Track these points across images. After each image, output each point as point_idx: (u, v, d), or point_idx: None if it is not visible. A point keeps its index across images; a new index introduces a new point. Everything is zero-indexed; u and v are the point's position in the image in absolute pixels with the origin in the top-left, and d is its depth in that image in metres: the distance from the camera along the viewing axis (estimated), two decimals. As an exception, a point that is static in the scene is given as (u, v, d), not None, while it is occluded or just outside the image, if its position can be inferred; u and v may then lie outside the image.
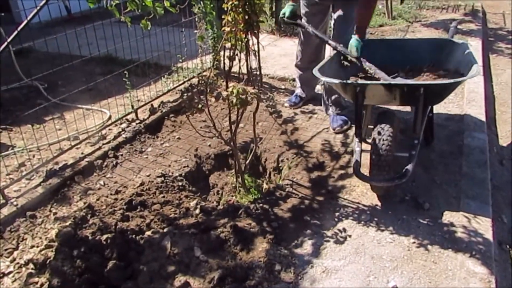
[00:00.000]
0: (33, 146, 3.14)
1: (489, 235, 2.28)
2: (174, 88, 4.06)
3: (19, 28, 2.41)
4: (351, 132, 3.33)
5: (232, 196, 2.67)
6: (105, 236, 2.17)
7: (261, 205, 2.57)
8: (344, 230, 2.37)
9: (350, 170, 2.82)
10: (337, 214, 2.51)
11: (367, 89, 2.54)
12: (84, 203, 2.60)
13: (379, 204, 2.57)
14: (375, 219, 2.45)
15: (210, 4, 3.90)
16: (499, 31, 6.76)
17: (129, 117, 3.57)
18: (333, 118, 3.46)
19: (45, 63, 3.61)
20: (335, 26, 3.33)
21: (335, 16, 3.31)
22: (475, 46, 5.08)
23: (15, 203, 2.58)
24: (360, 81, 2.64)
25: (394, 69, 2.98)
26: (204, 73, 4.35)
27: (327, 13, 3.44)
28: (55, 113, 3.69)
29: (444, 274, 2.06)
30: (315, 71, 2.62)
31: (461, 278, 2.02)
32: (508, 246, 2.53)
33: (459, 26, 6.11)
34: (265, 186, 2.80)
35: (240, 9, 2.21)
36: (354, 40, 2.83)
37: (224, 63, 2.47)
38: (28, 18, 2.50)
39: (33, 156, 3.06)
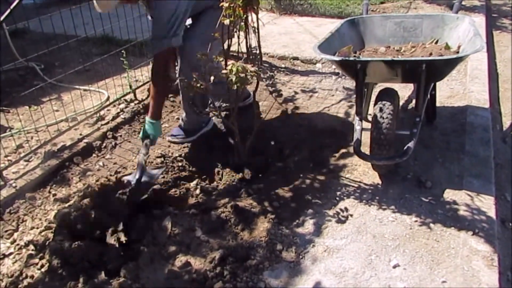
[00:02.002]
0: (31, 128, 3.11)
1: (492, 213, 2.26)
2: (173, 68, 4.00)
3: (11, 7, 2.35)
4: (352, 110, 3.29)
5: (233, 176, 2.65)
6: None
7: (261, 185, 2.55)
8: (346, 209, 2.35)
9: (351, 149, 2.79)
10: (338, 193, 2.49)
11: (368, 66, 2.49)
12: (84, 184, 2.58)
13: (381, 183, 2.55)
14: (377, 198, 2.43)
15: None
16: (503, 7, 6.64)
17: (128, 97, 3.52)
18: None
19: (40, 44, 3.54)
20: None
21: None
22: (478, 22, 4.97)
23: (14, 184, 2.56)
24: (362, 58, 2.58)
25: (395, 46, 2.92)
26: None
27: None
28: (52, 94, 3.65)
29: (447, 253, 2.04)
30: (315, 49, 2.57)
31: (464, 256, 2.01)
32: (511, 224, 2.51)
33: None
34: (266, 165, 2.77)
35: (239, -16, 2.14)
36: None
37: (223, 41, 2.42)
38: (21, -4, 2.45)
39: (31, 138, 3.03)
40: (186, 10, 2.51)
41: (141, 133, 2.61)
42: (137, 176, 2.44)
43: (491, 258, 1.99)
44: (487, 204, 2.32)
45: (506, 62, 4.69)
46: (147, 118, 2.56)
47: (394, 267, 1.98)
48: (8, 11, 2.37)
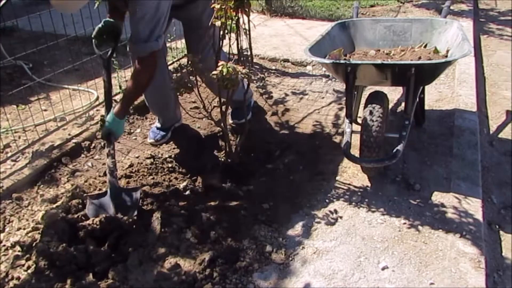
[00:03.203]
0: (19, 127, 3.07)
1: (479, 215, 2.29)
2: (163, 68, 3.98)
3: (0, 4, 2.32)
4: (342, 113, 3.30)
5: (223, 177, 2.64)
6: (94, 219, 2.15)
7: (251, 186, 2.55)
8: (335, 211, 2.37)
9: (341, 152, 2.80)
10: (328, 195, 2.50)
11: (358, 69, 2.50)
12: (72, 184, 2.56)
13: (370, 185, 2.56)
14: (366, 200, 2.44)
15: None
16: (490, 12, 6.73)
17: (117, 97, 3.49)
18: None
19: (29, 42, 3.50)
20: None
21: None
22: (466, 27, 5.05)
23: (0, 185, 2.53)
24: (352, 61, 2.60)
25: (385, 50, 2.95)
26: (194, 53, 4.27)
27: None
28: (41, 94, 3.61)
29: (435, 255, 2.06)
30: (306, 51, 2.58)
31: (451, 259, 2.03)
32: (497, 227, 2.55)
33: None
34: (256, 167, 2.77)
35: (230, -14, 2.14)
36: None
37: (213, 42, 2.41)
38: (10, -6, 2.42)
39: (19, 137, 2.99)
40: (167, 10, 2.39)
41: (102, 131, 2.41)
42: (112, 209, 2.17)
43: (478, 260, 2.02)
44: (474, 207, 2.35)
45: (493, 66, 4.75)
46: (114, 116, 2.36)
47: (383, 269, 1.99)
48: (-4, 9, 2.33)
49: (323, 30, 2.97)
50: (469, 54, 2.40)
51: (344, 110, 2.75)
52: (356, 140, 2.56)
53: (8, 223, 2.34)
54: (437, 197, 2.45)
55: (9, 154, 2.77)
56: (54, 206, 2.34)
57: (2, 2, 2.37)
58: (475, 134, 3.01)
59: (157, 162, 2.75)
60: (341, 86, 3.75)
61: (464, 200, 2.40)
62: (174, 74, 3.94)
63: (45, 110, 3.27)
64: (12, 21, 3.06)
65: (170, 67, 4.03)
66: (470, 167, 2.67)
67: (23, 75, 3.89)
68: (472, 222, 2.25)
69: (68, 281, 1.85)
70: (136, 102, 3.44)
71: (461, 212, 2.32)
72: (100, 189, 2.45)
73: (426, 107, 3.22)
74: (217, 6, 2.17)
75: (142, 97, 3.51)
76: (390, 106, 3.10)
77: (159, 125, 3.09)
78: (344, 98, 3.12)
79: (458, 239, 2.15)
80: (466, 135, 3.00)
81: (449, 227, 2.23)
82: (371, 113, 2.44)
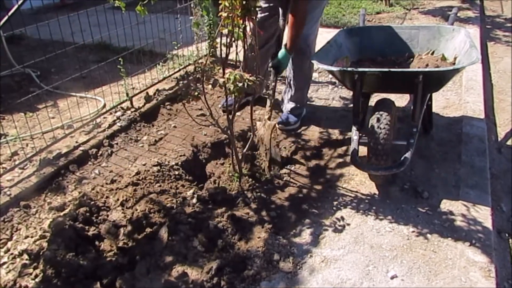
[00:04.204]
0: (26, 135, 3.08)
1: (488, 223, 2.27)
2: (170, 76, 4.00)
3: (9, 13, 2.34)
4: (349, 120, 3.29)
5: (229, 185, 2.64)
6: (101, 227, 2.15)
7: (259, 194, 2.54)
8: (343, 219, 2.35)
9: (348, 159, 2.79)
10: (335, 203, 2.48)
11: (365, 77, 2.50)
12: (79, 192, 2.56)
13: (378, 193, 2.55)
14: (374, 208, 2.43)
15: (205, -10, 3.82)
16: (497, 19, 6.71)
17: (124, 105, 3.51)
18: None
19: (37, 50, 3.53)
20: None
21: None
22: (473, 33, 5.04)
23: (8, 192, 2.54)
24: (359, 69, 2.60)
25: (392, 57, 2.94)
26: (200, 61, 4.29)
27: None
28: (48, 101, 3.63)
29: (444, 263, 2.04)
30: (312, 58, 2.58)
31: (461, 267, 2.01)
32: (507, 235, 2.52)
33: (456, 14, 6.06)
34: (262, 174, 2.77)
35: (238, -6, 2.14)
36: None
37: (221, 50, 2.42)
38: (18, 4, 2.44)
39: (26, 145, 3.00)
40: None
41: (273, 63, 2.88)
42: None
43: (488, 269, 1.99)
44: (484, 215, 2.33)
45: (501, 73, 4.74)
46: (285, 51, 2.84)
47: (392, 278, 1.97)
48: (6, 18, 2.36)
49: (329, 37, 2.97)
50: (477, 61, 2.39)
51: (351, 117, 2.74)
52: (363, 147, 2.55)
53: (16, 231, 2.34)
54: (446, 205, 2.43)
55: (17, 162, 2.78)
56: (61, 214, 2.34)
57: (12, 11, 2.39)
58: (483, 141, 2.99)
59: (164, 169, 2.75)
60: (347, 93, 3.74)
61: (473, 208, 2.38)
62: (181, 82, 3.96)
63: (53, 118, 3.29)
64: (20, 30, 3.08)
65: (177, 74, 4.05)
66: (479, 175, 2.65)
67: (31, 83, 3.93)
68: (481, 230, 2.23)
69: (76, 290, 1.85)
70: (143, 110, 3.48)
71: (470, 220, 2.30)
72: (107, 197, 2.45)
73: (434, 114, 3.21)
74: (224, 15, 2.18)
75: (149, 104, 3.54)
76: (397, 114, 3.09)
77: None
78: (351, 106, 3.12)
79: (468, 248, 2.12)
80: (475, 142, 2.98)
81: (458, 235, 2.21)
82: (378, 120, 2.43)
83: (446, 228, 2.26)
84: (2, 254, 2.18)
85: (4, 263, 2.12)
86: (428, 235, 2.22)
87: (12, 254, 2.16)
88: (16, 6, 2.36)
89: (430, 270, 2.01)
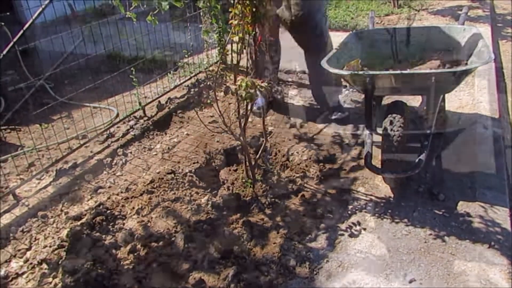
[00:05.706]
0: (42, 146, 3.13)
1: (507, 225, 2.24)
2: (181, 84, 4.03)
3: (24, 28, 2.39)
4: (361, 123, 3.28)
5: (243, 191, 2.65)
6: (118, 235, 2.16)
7: (273, 199, 2.54)
8: (358, 223, 2.34)
9: (362, 162, 2.78)
10: (350, 207, 2.47)
11: (377, 80, 2.49)
12: (95, 202, 2.59)
13: (393, 196, 2.53)
14: (389, 211, 2.41)
15: (214, -2, 3.85)
16: (508, 17, 6.64)
17: (137, 114, 3.55)
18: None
19: (51, 62, 3.59)
20: None
21: None
22: (484, 32, 4.97)
23: (26, 203, 2.57)
24: (370, 72, 2.59)
25: (403, 58, 2.93)
26: (211, 68, 4.31)
27: None
28: (63, 112, 3.68)
29: (463, 266, 2.02)
30: (324, 63, 2.58)
31: (481, 270, 1.98)
32: (526, 236, 2.48)
33: (466, 13, 6.00)
34: (276, 180, 2.77)
35: (248, 2, 2.16)
36: None
37: (232, 57, 2.43)
38: (33, 18, 2.48)
39: (42, 156, 3.05)
40: None
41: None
42: None
43: (508, 272, 1.97)
44: (502, 216, 2.30)
45: (514, 71, 4.68)
46: None
47: (410, 281, 1.96)
48: (21, 32, 2.40)
49: (338, 40, 2.97)
50: (490, 61, 2.37)
51: (364, 120, 2.73)
52: (377, 150, 2.53)
53: (34, 241, 2.37)
54: (463, 206, 2.40)
55: (34, 173, 2.82)
56: (78, 223, 2.37)
57: (26, 25, 2.44)
58: (499, 141, 2.95)
59: (177, 177, 2.77)
60: (358, 96, 3.73)
61: (491, 209, 2.35)
62: (192, 90, 3.98)
63: (68, 128, 3.33)
64: (34, 43, 3.14)
65: (188, 82, 4.08)
66: (496, 175, 2.62)
67: (46, 95, 3.98)
68: (500, 231, 2.20)
69: (94, 298, 1.87)
70: (155, 118, 3.50)
71: (488, 221, 2.27)
72: (123, 205, 2.47)
73: (447, 115, 3.18)
74: (235, 22, 2.20)
75: (162, 113, 3.57)
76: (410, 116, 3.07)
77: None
78: (363, 109, 3.11)
79: (487, 250, 2.10)
80: (490, 142, 2.94)
81: (476, 237, 2.18)
82: (391, 123, 2.42)
83: (463, 230, 2.24)
84: (21, 264, 2.21)
85: (24, 272, 2.15)
86: (446, 238, 2.19)
87: (31, 263, 2.19)
88: (30, 21, 2.41)
89: (448, 273, 1.99)
